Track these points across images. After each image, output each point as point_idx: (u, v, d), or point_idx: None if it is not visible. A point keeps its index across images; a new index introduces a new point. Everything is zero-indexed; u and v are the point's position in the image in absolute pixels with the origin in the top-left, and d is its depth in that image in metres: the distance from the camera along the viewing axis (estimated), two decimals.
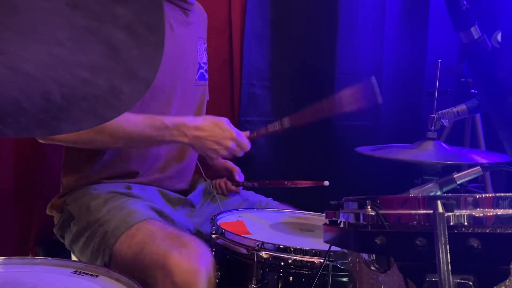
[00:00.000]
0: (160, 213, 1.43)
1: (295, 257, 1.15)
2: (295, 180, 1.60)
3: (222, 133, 1.46)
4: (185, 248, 1.23)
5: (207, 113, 1.74)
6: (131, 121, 1.40)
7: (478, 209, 0.69)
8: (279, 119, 1.56)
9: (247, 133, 1.56)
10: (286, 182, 1.62)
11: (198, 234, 1.53)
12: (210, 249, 1.29)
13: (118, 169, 1.54)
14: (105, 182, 1.52)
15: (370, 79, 1.44)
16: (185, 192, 1.68)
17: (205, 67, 1.68)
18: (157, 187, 1.60)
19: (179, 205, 1.61)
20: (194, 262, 1.20)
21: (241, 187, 1.74)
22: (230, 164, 1.78)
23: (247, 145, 1.51)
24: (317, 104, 1.54)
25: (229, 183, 1.73)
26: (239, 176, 1.75)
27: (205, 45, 1.70)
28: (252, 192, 1.76)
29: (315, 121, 1.54)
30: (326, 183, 1.50)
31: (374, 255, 0.76)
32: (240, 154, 1.51)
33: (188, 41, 1.59)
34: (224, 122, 1.48)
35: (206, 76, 1.70)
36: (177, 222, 1.48)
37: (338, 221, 0.85)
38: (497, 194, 0.69)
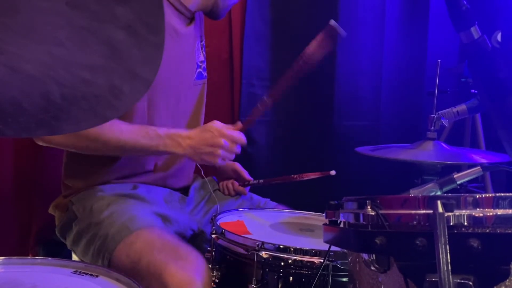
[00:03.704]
0: (164, 218, 1.44)
1: (295, 257, 1.15)
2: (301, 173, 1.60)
3: (211, 135, 1.46)
4: (182, 261, 1.24)
5: (207, 113, 1.74)
6: (124, 131, 1.42)
7: (478, 209, 0.69)
8: (260, 100, 1.53)
9: (238, 124, 1.54)
10: (293, 176, 1.61)
11: (201, 234, 1.54)
12: (206, 260, 1.29)
13: (121, 172, 1.55)
14: (112, 183, 1.53)
15: (330, 23, 1.40)
16: (186, 190, 1.69)
17: (203, 65, 1.69)
18: (162, 187, 1.61)
19: (183, 204, 1.62)
20: (190, 275, 1.21)
21: (248, 188, 1.75)
22: (238, 166, 1.79)
23: (240, 138, 1.49)
24: (289, 69, 1.50)
25: (236, 184, 1.74)
26: (247, 177, 1.76)
27: (202, 42, 1.70)
28: (251, 193, 1.77)
29: (294, 85, 1.49)
30: (333, 172, 1.50)
31: (374, 255, 0.76)
32: (237, 149, 1.49)
33: (188, 44, 1.60)
34: (211, 125, 1.49)
35: (204, 74, 1.70)
36: (181, 224, 1.49)
37: (338, 221, 0.84)
38: (497, 194, 0.69)
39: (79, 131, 1.38)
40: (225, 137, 1.46)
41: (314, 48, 1.44)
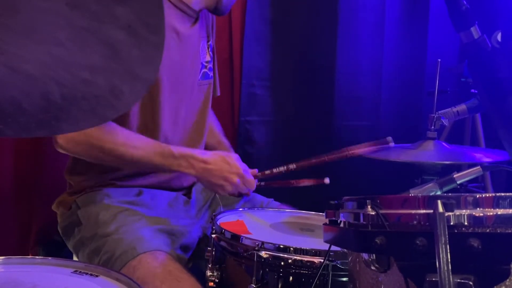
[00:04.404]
0: (170, 233, 1.44)
1: (295, 257, 1.15)
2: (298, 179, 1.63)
3: (229, 168, 1.47)
4: None
5: None
6: (138, 147, 1.42)
7: (478, 208, 0.69)
8: (286, 164, 1.58)
9: (255, 170, 1.57)
10: (291, 181, 1.63)
11: (205, 238, 1.54)
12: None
13: (126, 171, 1.55)
14: (117, 185, 1.53)
15: (387, 139, 1.50)
16: (190, 189, 1.69)
17: (209, 65, 1.69)
18: (167, 187, 1.61)
19: (187, 207, 1.62)
20: None
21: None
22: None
23: (252, 184, 1.52)
24: (326, 155, 1.58)
25: None
26: None
27: (210, 42, 1.70)
28: (254, 194, 1.77)
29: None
30: (327, 180, 1.53)
31: (374, 255, 0.76)
32: (245, 191, 1.53)
33: (192, 45, 1.59)
34: (232, 158, 1.50)
35: (210, 74, 1.70)
36: (187, 235, 1.49)
37: (338, 221, 0.84)
38: (497, 194, 0.69)
39: (93, 143, 1.39)
40: (241, 177, 1.48)
41: (359, 150, 1.54)
